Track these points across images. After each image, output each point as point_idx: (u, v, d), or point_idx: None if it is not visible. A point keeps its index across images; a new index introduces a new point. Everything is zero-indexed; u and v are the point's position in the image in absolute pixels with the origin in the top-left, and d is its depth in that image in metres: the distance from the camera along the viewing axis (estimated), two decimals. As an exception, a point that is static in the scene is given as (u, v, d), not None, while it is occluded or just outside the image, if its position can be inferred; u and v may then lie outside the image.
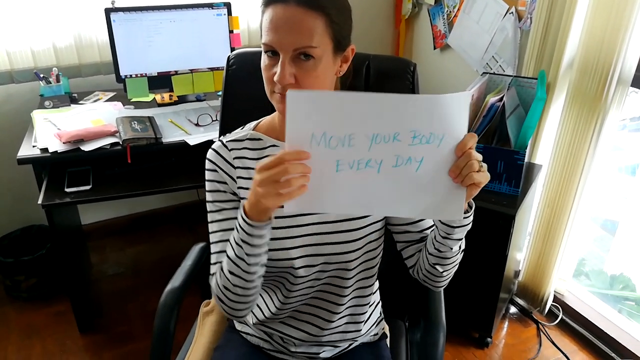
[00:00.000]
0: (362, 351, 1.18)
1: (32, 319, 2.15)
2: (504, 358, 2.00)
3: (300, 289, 1.05)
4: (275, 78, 0.88)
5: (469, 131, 0.79)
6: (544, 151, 2.03)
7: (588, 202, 1.95)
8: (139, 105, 2.13)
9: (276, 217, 0.90)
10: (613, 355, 1.95)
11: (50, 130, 1.83)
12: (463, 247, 0.99)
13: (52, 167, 1.86)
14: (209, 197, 1.01)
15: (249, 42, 2.47)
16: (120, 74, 2.07)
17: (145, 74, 2.11)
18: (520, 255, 2.17)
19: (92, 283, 2.34)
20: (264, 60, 0.91)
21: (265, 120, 1.06)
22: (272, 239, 0.99)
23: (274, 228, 0.95)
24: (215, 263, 0.99)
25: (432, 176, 0.81)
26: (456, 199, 0.83)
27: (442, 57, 2.58)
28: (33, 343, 2.03)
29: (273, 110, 1.07)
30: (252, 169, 0.99)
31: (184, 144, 1.85)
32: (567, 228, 1.95)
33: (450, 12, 2.42)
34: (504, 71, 2.17)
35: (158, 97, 2.17)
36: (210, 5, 2.09)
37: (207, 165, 1.02)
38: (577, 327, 2.09)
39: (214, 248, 1.01)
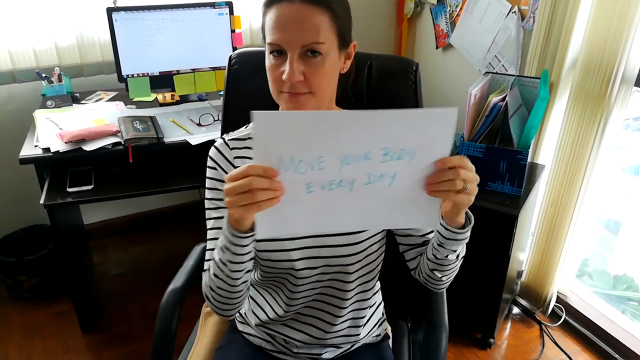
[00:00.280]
0: (365, 352, 1.18)
1: (34, 318, 2.15)
2: (506, 359, 2.00)
3: (302, 291, 1.04)
4: (284, 76, 0.87)
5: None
6: (546, 151, 2.02)
7: (591, 202, 1.94)
8: (140, 104, 2.13)
9: None
10: (616, 356, 1.94)
11: (52, 130, 1.83)
12: (462, 256, 0.99)
13: (54, 167, 1.86)
14: (207, 194, 1.01)
15: (251, 42, 2.46)
16: (122, 74, 2.07)
17: (147, 73, 2.11)
18: (523, 255, 2.17)
19: (94, 283, 2.34)
20: (270, 60, 0.90)
21: None
22: (272, 240, 0.99)
23: None
24: (208, 260, 0.99)
25: (405, 190, 0.80)
26: (431, 209, 0.82)
27: (444, 56, 2.57)
28: (35, 343, 2.03)
29: (275, 109, 1.07)
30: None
31: (185, 144, 1.84)
32: (570, 228, 1.95)
33: (452, 11, 2.42)
34: (506, 71, 2.17)
35: (160, 97, 2.17)
36: (212, 5, 2.09)
37: (208, 162, 1.02)
38: (580, 327, 2.08)
39: (209, 245, 1.01)
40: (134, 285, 2.35)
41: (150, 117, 1.94)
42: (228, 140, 1.02)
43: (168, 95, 2.17)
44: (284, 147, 0.75)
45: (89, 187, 1.76)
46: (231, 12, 2.12)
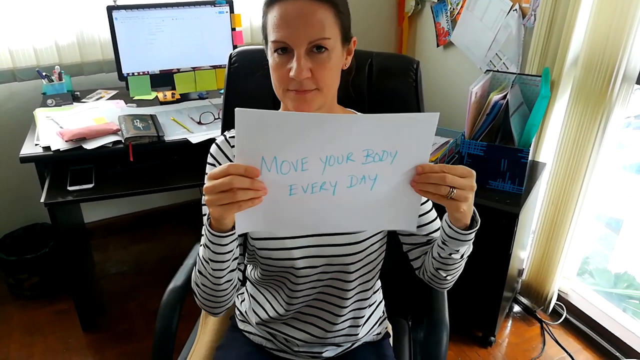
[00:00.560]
0: (365, 350, 1.18)
1: (34, 317, 2.15)
2: (507, 357, 2.00)
3: (302, 290, 1.04)
4: (292, 73, 0.87)
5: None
6: (548, 149, 2.02)
7: (592, 200, 1.94)
8: (141, 103, 2.13)
9: None
10: (617, 354, 1.94)
11: (53, 129, 1.83)
12: (467, 255, 0.98)
13: (54, 166, 1.86)
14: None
15: (252, 40, 2.46)
16: (123, 72, 2.07)
17: (148, 72, 2.10)
18: (523, 253, 2.17)
19: (94, 281, 2.34)
20: (274, 59, 0.90)
21: None
22: (273, 239, 0.99)
23: None
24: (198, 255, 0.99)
25: (386, 192, 0.81)
26: (410, 211, 0.84)
27: (445, 54, 2.57)
28: (35, 341, 2.03)
29: (276, 109, 1.07)
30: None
31: (186, 142, 1.84)
32: (571, 226, 1.94)
33: (453, 9, 2.41)
34: (507, 69, 2.16)
35: (160, 95, 2.17)
36: (213, 3, 2.08)
37: (209, 158, 1.02)
38: (581, 326, 2.08)
39: (201, 240, 1.01)
40: (134, 283, 2.35)
41: (150, 115, 1.94)
42: (229, 137, 1.02)
43: (168, 93, 2.17)
44: (267, 146, 0.74)
45: (90, 186, 1.76)
46: (232, 11, 2.12)
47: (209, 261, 0.88)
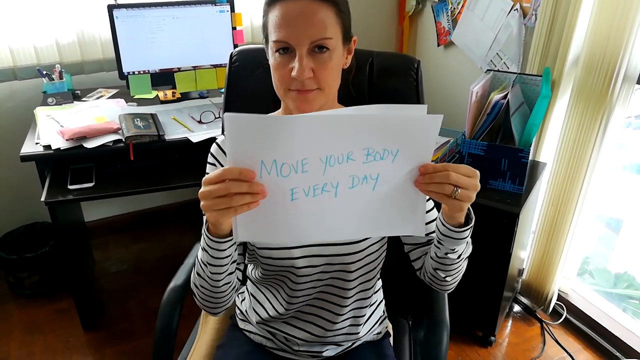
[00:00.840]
0: (365, 350, 1.18)
1: (35, 315, 2.15)
2: (507, 357, 2.00)
3: (303, 289, 1.04)
4: (294, 73, 0.86)
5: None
6: (548, 149, 2.02)
7: (592, 200, 1.94)
8: (141, 102, 2.13)
9: None
10: (617, 354, 1.94)
11: (53, 127, 1.83)
12: (466, 257, 0.97)
13: (55, 164, 1.86)
14: None
15: (252, 39, 2.46)
16: (123, 71, 2.07)
17: (148, 70, 2.11)
18: (524, 253, 2.17)
19: (95, 280, 2.34)
20: (275, 59, 0.89)
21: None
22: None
23: None
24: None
25: (389, 193, 0.79)
26: (415, 214, 0.82)
27: (445, 54, 2.57)
28: (35, 340, 2.03)
29: (276, 108, 1.07)
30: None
31: (186, 141, 1.84)
32: (572, 226, 1.94)
33: (454, 8, 2.41)
34: (508, 68, 2.16)
35: (161, 94, 2.17)
36: (213, 2, 2.08)
37: (209, 158, 1.02)
38: (581, 325, 2.08)
39: (201, 241, 1.01)
40: (134, 282, 2.35)
41: (151, 114, 1.94)
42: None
43: (169, 92, 2.17)
44: (264, 149, 0.72)
45: (90, 185, 1.76)
46: (232, 10, 2.12)
47: (207, 265, 0.88)
